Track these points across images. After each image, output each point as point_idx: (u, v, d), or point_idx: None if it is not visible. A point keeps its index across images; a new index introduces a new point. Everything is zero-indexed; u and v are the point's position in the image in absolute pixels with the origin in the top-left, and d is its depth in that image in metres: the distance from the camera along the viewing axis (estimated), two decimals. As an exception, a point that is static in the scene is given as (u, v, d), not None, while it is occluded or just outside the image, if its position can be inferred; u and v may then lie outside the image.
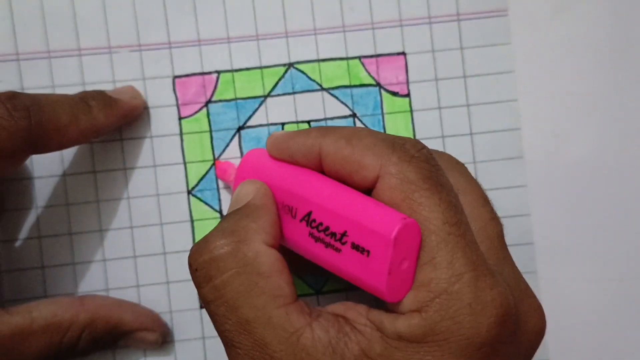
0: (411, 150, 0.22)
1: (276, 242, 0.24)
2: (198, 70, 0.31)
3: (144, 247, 0.31)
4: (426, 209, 0.21)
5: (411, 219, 0.21)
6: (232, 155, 0.31)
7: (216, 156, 0.31)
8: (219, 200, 0.31)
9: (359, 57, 0.32)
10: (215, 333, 0.31)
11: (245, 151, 0.31)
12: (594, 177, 0.32)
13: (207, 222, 0.31)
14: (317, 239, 0.23)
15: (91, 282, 0.31)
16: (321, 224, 0.23)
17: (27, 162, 0.31)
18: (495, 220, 0.24)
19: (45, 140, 0.26)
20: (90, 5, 0.31)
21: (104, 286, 0.31)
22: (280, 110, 0.32)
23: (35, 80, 0.31)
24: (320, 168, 0.24)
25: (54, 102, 0.27)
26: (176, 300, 0.31)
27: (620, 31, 0.32)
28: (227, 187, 0.31)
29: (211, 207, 0.31)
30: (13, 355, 0.26)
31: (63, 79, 0.31)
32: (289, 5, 0.31)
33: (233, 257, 0.22)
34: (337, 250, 0.22)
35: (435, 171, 0.22)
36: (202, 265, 0.23)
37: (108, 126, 0.29)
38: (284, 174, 0.25)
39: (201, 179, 0.31)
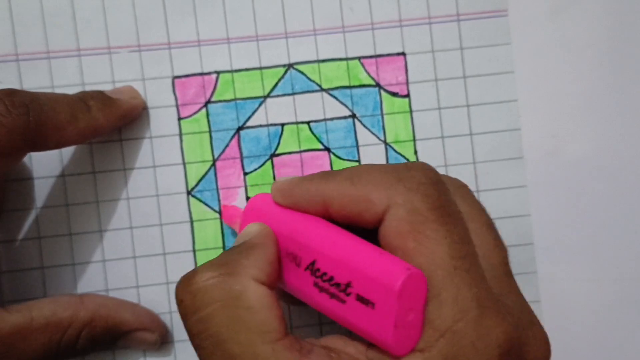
0: (418, 177, 0.22)
1: (269, 280, 0.23)
2: (197, 70, 0.31)
3: (144, 247, 0.31)
4: (433, 242, 0.21)
5: (416, 269, 0.21)
6: (231, 155, 0.31)
7: (216, 156, 0.31)
8: (219, 200, 0.31)
9: (359, 58, 0.32)
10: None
11: (244, 152, 0.31)
12: (593, 177, 0.32)
13: (207, 223, 0.31)
14: (321, 289, 0.23)
15: (91, 283, 0.31)
16: (325, 273, 0.22)
17: (27, 162, 0.31)
18: (499, 247, 0.24)
19: (43, 138, 0.26)
20: (89, 5, 0.31)
21: (104, 286, 0.31)
22: (279, 111, 0.31)
23: (35, 81, 0.31)
24: (325, 214, 0.24)
25: (53, 100, 0.27)
26: (176, 301, 0.31)
27: (620, 32, 0.32)
28: (227, 187, 0.31)
29: (211, 207, 0.31)
30: (13, 354, 0.26)
31: (63, 80, 0.31)
32: (288, 6, 0.31)
33: (219, 290, 0.22)
34: (342, 301, 0.22)
35: (445, 199, 0.22)
36: (187, 296, 0.22)
37: (107, 126, 0.29)
38: (288, 221, 0.25)
39: (201, 179, 0.31)
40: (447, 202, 0.22)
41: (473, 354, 0.20)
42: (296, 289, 0.24)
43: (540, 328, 0.23)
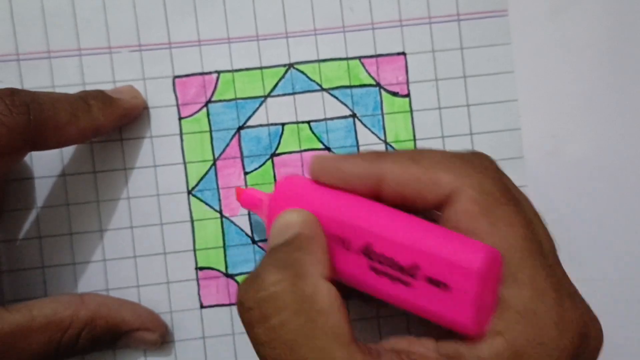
0: (484, 161, 0.22)
1: (332, 274, 0.22)
2: (198, 70, 0.31)
3: (144, 247, 0.31)
4: (507, 224, 0.21)
5: (493, 248, 0.20)
6: (232, 155, 0.31)
7: (216, 156, 0.31)
8: (219, 200, 0.31)
9: (359, 58, 0.32)
10: (214, 333, 0.31)
11: (245, 152, 0.31)
12: (593, 177, 0.32)
13: (207, 222, 0.31)
14: (379, 272, 0.21)
15: (91, 282, 0.31)
16: (384, 255, 0.21)
17: (28, 161, 0.31)
18: (549, 236, 0.23)
19: (43, 137, 0.26)
20: (90, 5, 0.31)
21: (104, 286, 0.31)
22: (280, 111, 0.32)
23: (36, 81, 0.31)
24: (373, 194, 0.23)
25: (54, 99, 0.27)
26: (176, 300, 0.31)
27: (620, 32, 0.32)
28: (227, 186, 0.31)
29: (211, 207, 0.31)
30: (13, 353, 0.26)
31: (63, 79, 0.31)
32: (289, 5, 0.31)
33: (291, 294, 0.20)
34: (406, 284, 0.21)
35: (511, 184, 0.22)
36: (257, 303, 0.21)
37: (108, 125, 0.29)
38: (332, 202, 0.23)
39: (201, 179, 0.31)
40: (513, 186, 0.22)
41: (556, 335, 0.20)
42: (345, 273, 0.23)
43: (594, 314, 0.23)
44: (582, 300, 0.22)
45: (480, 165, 0.22)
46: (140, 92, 0.31)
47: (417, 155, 0.22)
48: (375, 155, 0.23)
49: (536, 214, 0.23)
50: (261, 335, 0.20)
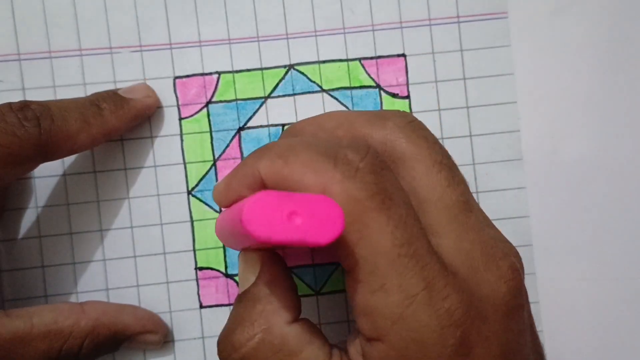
0: (355, 161, 0.21)
1: (297, 309, 0.23)
2: (199, 71, 0.31)
3: (144, 247, 0.31)
4: (374, 232, 0.20)
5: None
6: (232, 156, 0.31)
7: (216, 157, 0.32)
8: (219, 200, 0.31)
9: (359, 59, 0.32)
10: (214, 333, 0.31)
11: (245, 153, 0.32)
12: (592, 179, 0.32)
13: (207, 222, 0.31)
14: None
15: (91, 282, 0.31)
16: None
17: (28, 162, 0.31)
18: (452, 187, 0.23)
19: (55, 148, 0.27)
20: (91, 5, 0.31)
21: (104, 286, 0.31)
22: (280, 112, 0.32)
23: (37, 81, 0.31)
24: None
25: (64, 109, 0.27)
26: (176, 300, 0.31)
27: (619, 34, 0.32)
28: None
29: (211, 207, 0.31)
30: None
31: (64, 80, 0.31)
32: (289, 7, 0.32)
33: (261, 350, 0.22)
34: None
35: (383, 181, 0.21)
36: None
37: (120, 128, 0.29)
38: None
39: (201, 179, 0.31)
40: (386, 182, 0.21)
41: (430, 333, 0.20)
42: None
43: (504, 259, 0.23)
44: (481, 247, 0.22)
45: (349, 167, 0.21)
46: (154, 90, 0.31)
47: (289, 152, 0.21)
48: (256, 155, 0.22)
49: (440, 163, 0.23)
50: None
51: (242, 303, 0.23)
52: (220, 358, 0.23)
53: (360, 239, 0.21)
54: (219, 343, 0.23)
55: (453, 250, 0.22)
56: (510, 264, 0.23)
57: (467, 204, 0.23)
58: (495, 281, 0.22)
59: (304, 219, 0.19)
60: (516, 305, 0.23)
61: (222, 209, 0.27)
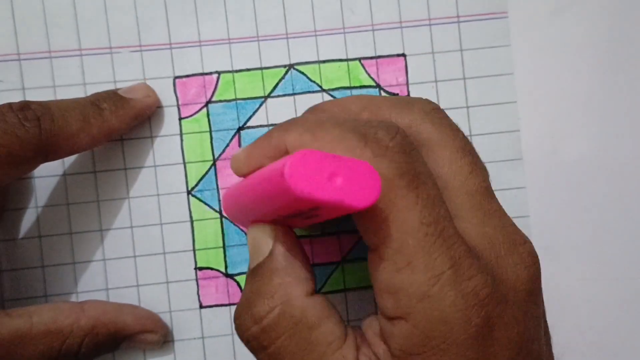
0: (385, 140, 0.21)
1: (313, 282, 0.23)
2: (199, 70, 0.31)
3: (144, 247, 0.31)
4: (403, 210, 0.21)
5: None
6: (232, 155, 0.31)
7: (216, 156, 0.32)
8: (219, 200, 0.31)
9: (359, 59, 0.32)
10: (214, 332, 0.31)
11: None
12: (592, 179, 0.32)
13: (207, 222, 0.31)
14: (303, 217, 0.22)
15: (91, 282, 0.31)
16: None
17: (28, 161, 0.31)
18: (475, 172, 0.23)
19: (56, 148, 0.27)
20: (91, 5, 0.31)
21: (104, 286, 0.31)
22: (280, 111, 0.32)
23: (37, 80, 0.31)
24: None
25: (65, 109, 0.27)
26: (176, 300, 0.31)
27: (619, 33, 0.32)
28: (227, 187, 0.31)
29: (211, 207, 0.31)
30: (11, 359, 0.26)
31: (64, 79, 0.31)
32: (289, 6, 0.32)
33: (282, 322, 0.22)
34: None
35: (412, 161, 0.21)
36: (253, 337, 0.23)
37: (121, 128, 0.29)
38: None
39: (201, 179, 0.31)
40: (415, 162, 0.21)
41: (455, 312, 0.20)
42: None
43: (524, 245, 0.23)
44: (505, 236, 0.23)
45: (379, 146, 0.21)
46: (154, 89, 0.31)
47: (318, 127, 0.21)
48: (282, 127, 0.22)
49: (463, 149, 0.23)
50: (265, 359, 0.23)
51: (257, 277, 0.23)
52: (238, 332, 0.23)
53: (388, 217, 0.21)
54: (236, 318, 0.23)
55: (476, 235, 0.23)
56: (530, 250, 0.23)
57: (488, 191, 0.24)
58: (517, 266, 0.22)
59: (344, 180, 0.19)
60: (535, 291, 0.23)
61: (230, 187, 0.27)
